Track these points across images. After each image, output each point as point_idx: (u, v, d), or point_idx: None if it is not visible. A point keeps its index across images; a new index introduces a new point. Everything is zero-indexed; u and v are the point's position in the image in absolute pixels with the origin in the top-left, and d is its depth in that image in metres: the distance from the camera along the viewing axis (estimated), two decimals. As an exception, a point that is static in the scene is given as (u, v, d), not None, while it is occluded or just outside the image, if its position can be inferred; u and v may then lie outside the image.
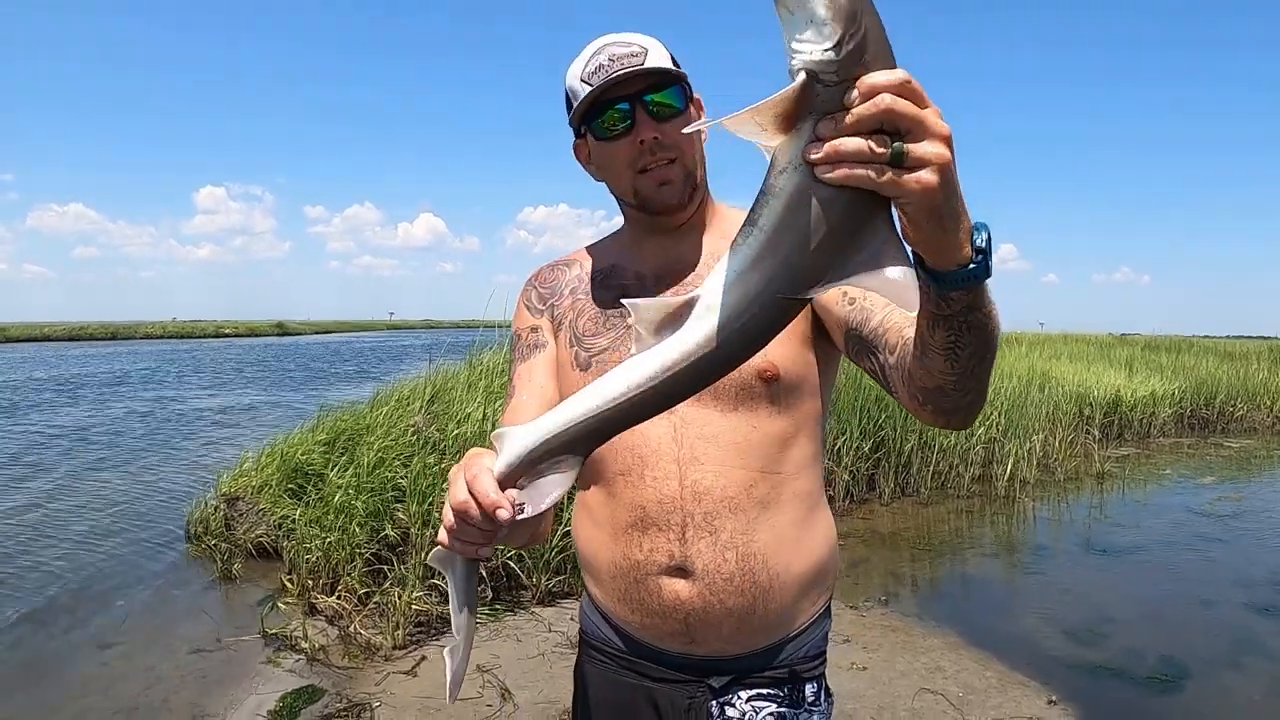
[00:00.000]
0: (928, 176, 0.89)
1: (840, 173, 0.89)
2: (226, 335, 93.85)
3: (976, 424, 11.06)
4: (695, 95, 1.67)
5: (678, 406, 1.49)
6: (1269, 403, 19.07)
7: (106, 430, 16.32)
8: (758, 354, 1.42)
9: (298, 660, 5.32)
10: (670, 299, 1.05)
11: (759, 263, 0.99)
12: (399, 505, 6.62)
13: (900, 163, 0.88)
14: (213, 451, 13.31)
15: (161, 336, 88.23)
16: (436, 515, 6.34)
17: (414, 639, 5.55)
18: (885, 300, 1.39)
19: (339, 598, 5.99)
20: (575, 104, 1.61)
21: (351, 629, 5.62)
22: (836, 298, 1.54)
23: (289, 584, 6.43)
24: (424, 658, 5.30)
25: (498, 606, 6.10)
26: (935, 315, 1.12)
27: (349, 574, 6.13)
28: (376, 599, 5.91)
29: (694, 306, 1.04)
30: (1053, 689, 4.94)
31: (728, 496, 1.56)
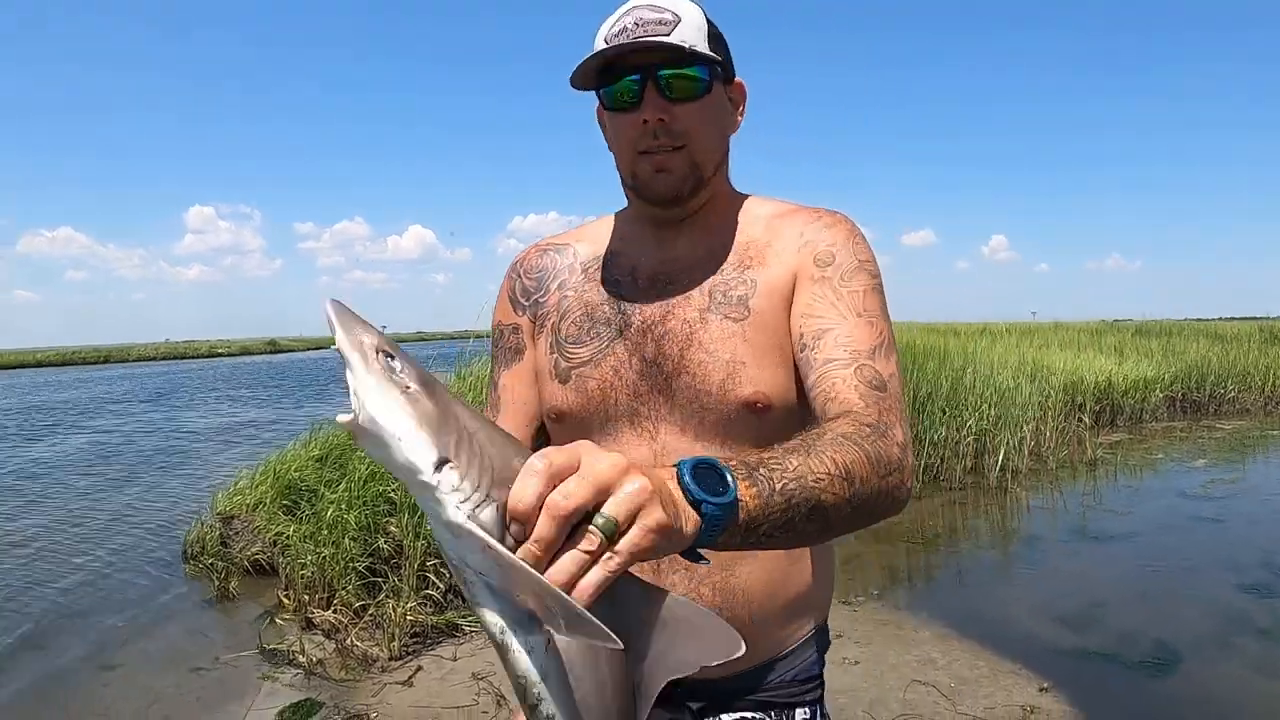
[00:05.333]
0: (650, 525, 0.79)
1: (586, 593, 0.78)
2: (220, 355, 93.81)
3: (967, 415, 11.10)
4: (737, 80, 1.53)
5: (660, 435, 1.44)
6: (1260, 383, 19.07)
7: (102, 453, 16.35)
8: (746, 383, 1.40)
9: (296, 674, 5.36)
10: None
11: None
12: (391, 518, 6.65)
13: (615, 529, 0.77)
14: (208, 471, 13.31)
15: (154, 358, 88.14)
16: (427, 527, 6.36)
17: (409, 650, 5.57)
18: (824, 355, 1.32)
19: (335, 612, 6.02)
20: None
21: (348, 642, 5.64)
22: (795, 334, 1.41)
23: (285, 600, 6.46)
24: (420, 668, 5.33)
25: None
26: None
27: (344, 588, 6.16)
28: (372, 612, 5.94)
29: None
30: (1045, 676, 4.96)
31: None
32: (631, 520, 0.78)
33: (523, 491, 0.76)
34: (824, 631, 1.64)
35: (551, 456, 0.78)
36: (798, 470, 0.99)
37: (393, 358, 0.85)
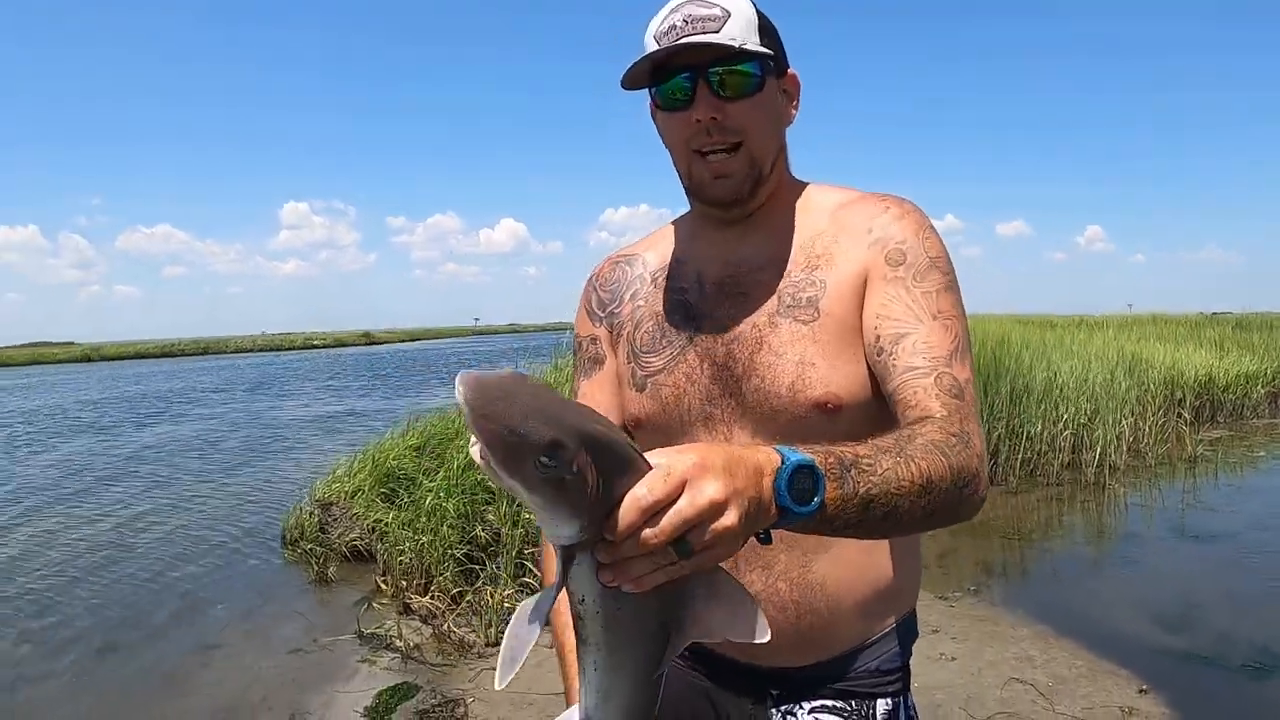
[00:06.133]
0: (722, 550, 0.88)
1: (645, 585, 0.87)
2: (315, 346, 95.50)
3: (1064, 409, 10.93)
4: (790, 71, 1.50)
5: (734, 437, 1.46)
6: (1368, 379, 18.40)
7: (203, 442, 16.78)
8: (816, 384, 1.39)
9: (393, 658, 5.47)
10: None
11: (617, 673, 1.00)
12: (489, 506, 6.75)
13: (689, 554, 0.86)
14: (306, 459, 13.61)
15: (252, 350, 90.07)
16: (526, 515, 6.43)
17: (505, 636, 5.64)
18: (904, 363, 1.32)
19: (432, 597, 6.12)
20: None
21: (445, 627, 5.73)
22: (869, 337, 1.39)
23: (383, 585, 6.59)
24: (516, 655, 5.39)
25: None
26: None
27: (441, 574, 6.27)
28: (469, 598, 6.03)
29: None
30: (1144, 678, 4.88)
31: (780, 533, 1.14)
32: (708, 547, 0.85)
33: (622, 522, 0.82)
34: (908, 624, 1.61)
35: (655, 490, 0.83)
36: (885, 475, 1.04)
37: (555, 449, 0.81)
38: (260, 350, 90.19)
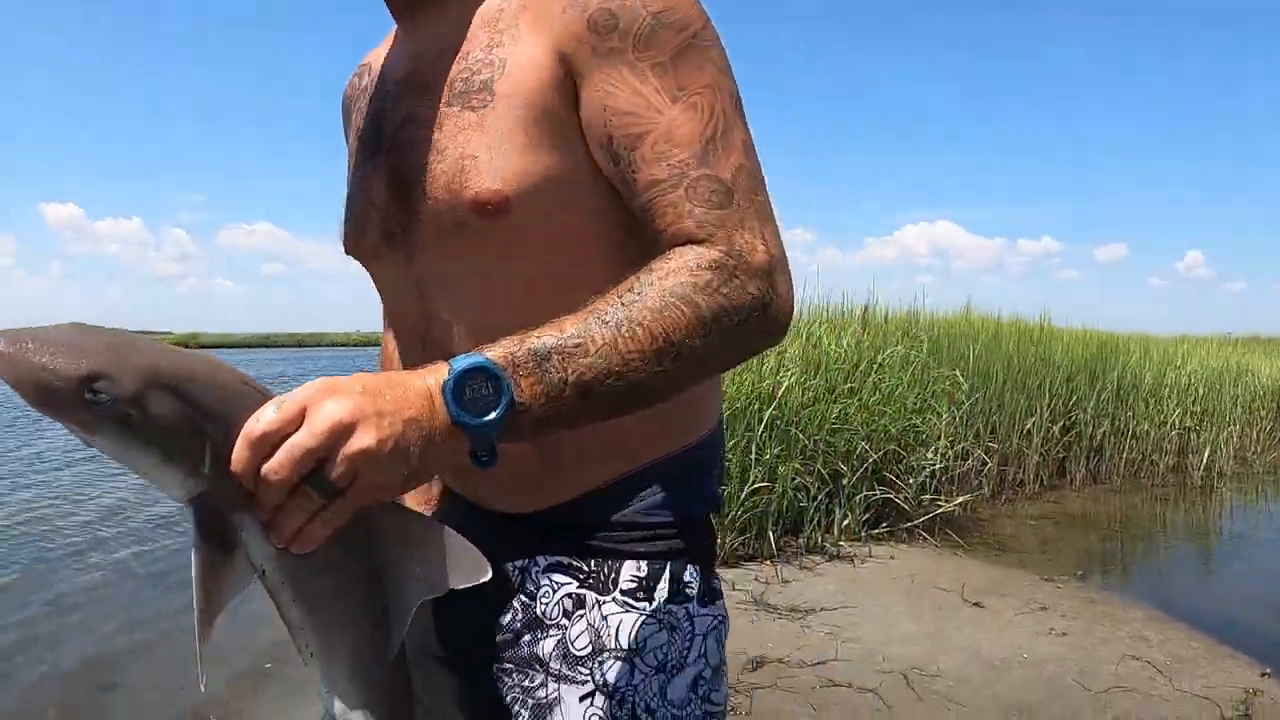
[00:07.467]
0: (372, 480, 0.80)
1: (310, 542, 0.81)
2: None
3: (1171, 411, 10.71)
4: None
5: (415, 257, 1.16)
6: None
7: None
8: (474, 180, 1.06)
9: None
10: None
11: (336, 660, 0.92)
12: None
13: (334, 491, 0.79)
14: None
15: (345, 345, 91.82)
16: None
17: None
18: (645, 177, 1.01)
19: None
20: None
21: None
22: (599, 140, 1.04)
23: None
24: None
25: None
26: None
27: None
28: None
29: None
30: (1265, 662, 4.73)
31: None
32: (352, 480, 0.79)
33: (234, 461, 0.77)
34: (690, 463, 1.21)
35: (264, 419, 0.77)
36: (602, 352, 0.89)
37: (96, 381, 0.72)
38: (354, 345, 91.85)
